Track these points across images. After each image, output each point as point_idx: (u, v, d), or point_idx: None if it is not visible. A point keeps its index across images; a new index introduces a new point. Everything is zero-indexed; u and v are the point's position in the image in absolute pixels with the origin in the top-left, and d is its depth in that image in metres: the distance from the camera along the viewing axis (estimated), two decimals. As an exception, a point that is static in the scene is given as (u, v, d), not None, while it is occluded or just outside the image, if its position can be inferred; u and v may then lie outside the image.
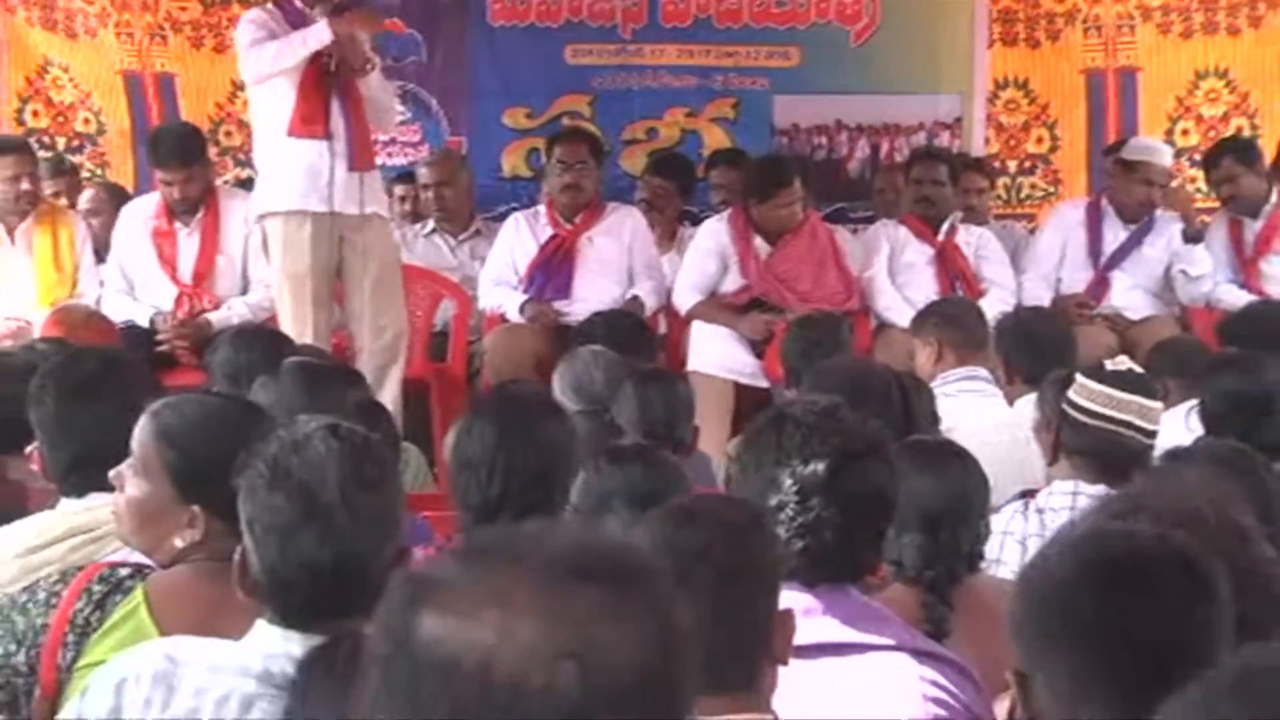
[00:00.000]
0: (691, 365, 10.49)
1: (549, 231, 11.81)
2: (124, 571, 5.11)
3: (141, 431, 5.15)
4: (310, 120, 10.18)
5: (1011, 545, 5.97)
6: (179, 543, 5.02)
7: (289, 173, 10.44)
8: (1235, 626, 3.21)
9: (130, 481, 5.14)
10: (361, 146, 10.28)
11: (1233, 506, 4.03)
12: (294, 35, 10.09)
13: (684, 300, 11.47)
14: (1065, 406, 6.49)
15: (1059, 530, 3.96)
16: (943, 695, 4.53)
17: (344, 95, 10.26)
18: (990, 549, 5.59)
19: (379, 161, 10.75)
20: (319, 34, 9.96)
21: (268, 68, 10.39)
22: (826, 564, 4.52)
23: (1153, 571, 3.21)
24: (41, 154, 12.44)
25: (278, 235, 10.47)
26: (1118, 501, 4.48)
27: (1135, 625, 3.07)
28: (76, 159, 12.95)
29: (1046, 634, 3.20)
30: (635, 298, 11.57)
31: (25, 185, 11.70)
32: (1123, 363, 6.75)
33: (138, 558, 5.15)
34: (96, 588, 5.05)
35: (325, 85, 10.17)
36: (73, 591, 5.03)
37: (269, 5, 10.56)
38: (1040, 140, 13.70)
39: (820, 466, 4.82)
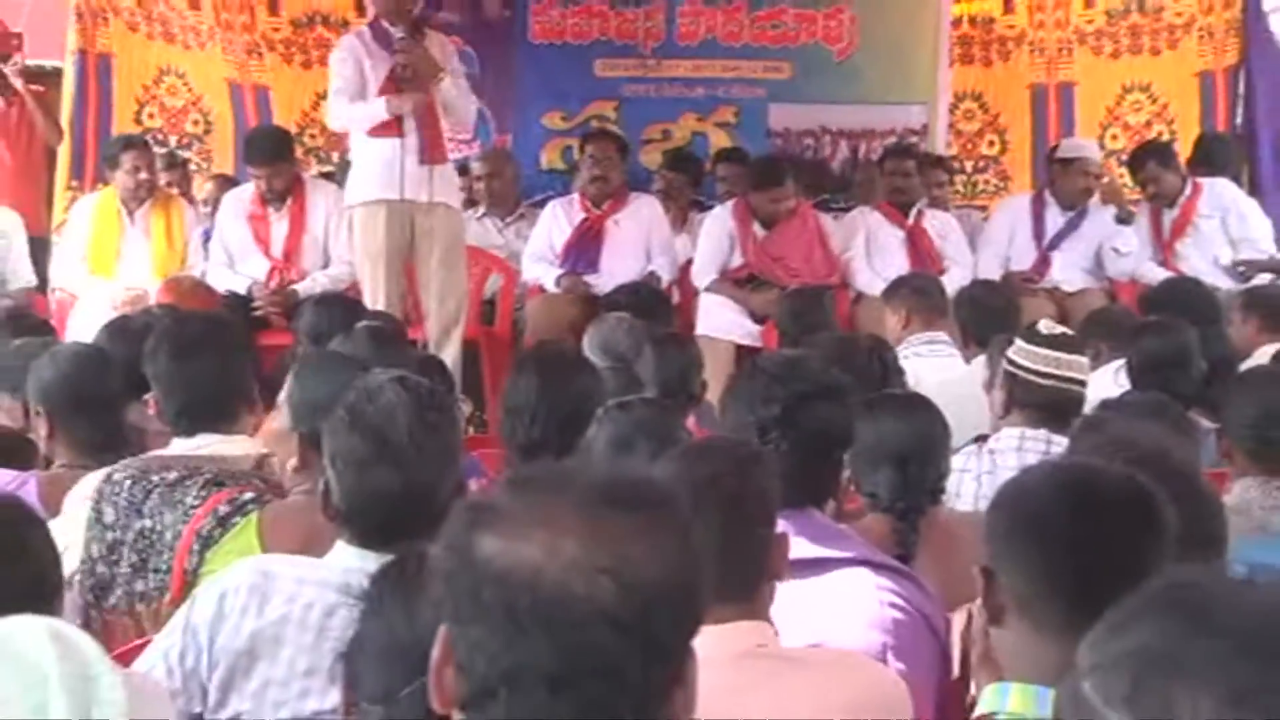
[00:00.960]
0: (700, 330, 10.50)
1: (581, 216, 11.81)
2: (248, 496, 5.20)
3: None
4: (386, 123, 10.22)
5: (968, 481, 5.98)
6: (290, 465, 5.19)
7: (370, 166, 10.51)
8: (1184, 541, 3.23)
9: (277, 411, 5.48)
10: (430, 144, 10.26)
11: (1183, 453, 4.06)
12: (359, 113, 10.34)
13: (702, 277, 11.46)
14: (1008, 365, 6.53)
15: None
16: (899, 601, 4.54)
17: (418, 103, 10.23)
18: (950, 485, 5.59)
19: (453, 157, 10.74)
20: (377, 112, 10.20)
21: (340, 124, 10.88)
22: (788, 492, 4.50)
23: (1115, 500, 3.24)
24: (157, 149, 12.43)
25: (359, 221, 10.55)
26: (1090, 442, 4.58)
27: (1092, 542, 3.09)
28: (186, 155, 12.93)
29: (1016, 538, 3.22)
30: (653, 272, 11.56)
31: (144, 176, 11.73)
32: (1055, 327, 6.83)
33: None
34: (223, 508, 5.16)
35: (399, 93, 10.19)
36: (205, 509, 5.11)
37: (359, 30, 10.61)
38: (992, 144, 13.71)
39: (777, 407, 4.90)
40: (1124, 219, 11.88)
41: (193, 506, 5.18)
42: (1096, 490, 3.32)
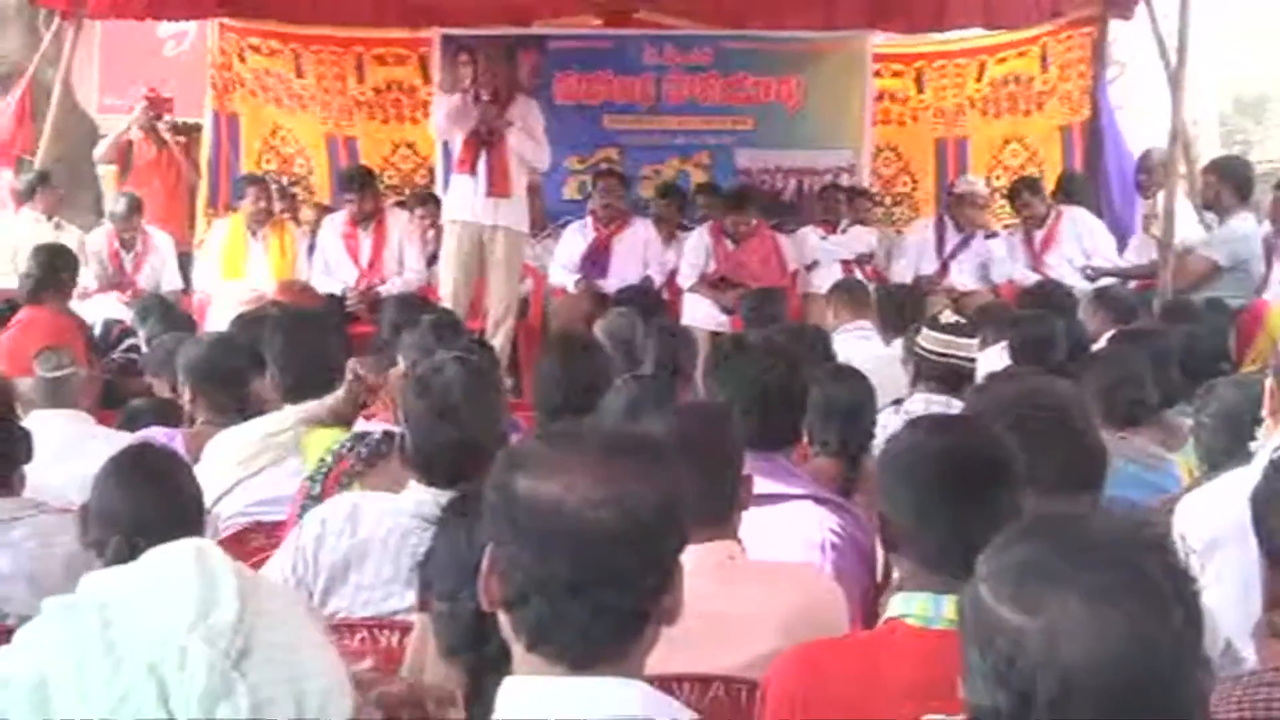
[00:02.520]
0: (683, 320, 10.46)
1: (593, 234, 11.78)
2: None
3: None
4: (464, 163, 10.37)
5: (887, 435, 5.95)
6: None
7: (453, 194, 10.70)
8: (1057, 481, 3.20)
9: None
10: (496, 181, 10.32)
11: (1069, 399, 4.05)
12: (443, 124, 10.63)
13: (686, 280, 11.48)
14: (917, 347, 6.58)
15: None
16: (837, 529, 4.56)
17: (489, 148, 10.32)
18: (876, 438, 5.59)
19: (518, 192, 10.78)
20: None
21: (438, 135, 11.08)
22: (757, 441, 4.52)
23: (980, 449, 3.20)
24: (272, 185, 12.43)
25: (445, 234, 10.73)
26: (984, 401, 4.56)
27: (962, 484, 3.05)
28: (294, 189, 12.92)
29: (896, 487, 3.20)
30: (648, 277, 11.54)
31: (263, 205, 11.81)
32: (952, 317, 6.91)
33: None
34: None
35: (477, 142, 10.33)
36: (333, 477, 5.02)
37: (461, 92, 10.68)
38: (905, 184, 13.64)
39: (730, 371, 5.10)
40: (990, 236, 12.02)
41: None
42: (958, 446, 3.27)
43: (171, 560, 1.77)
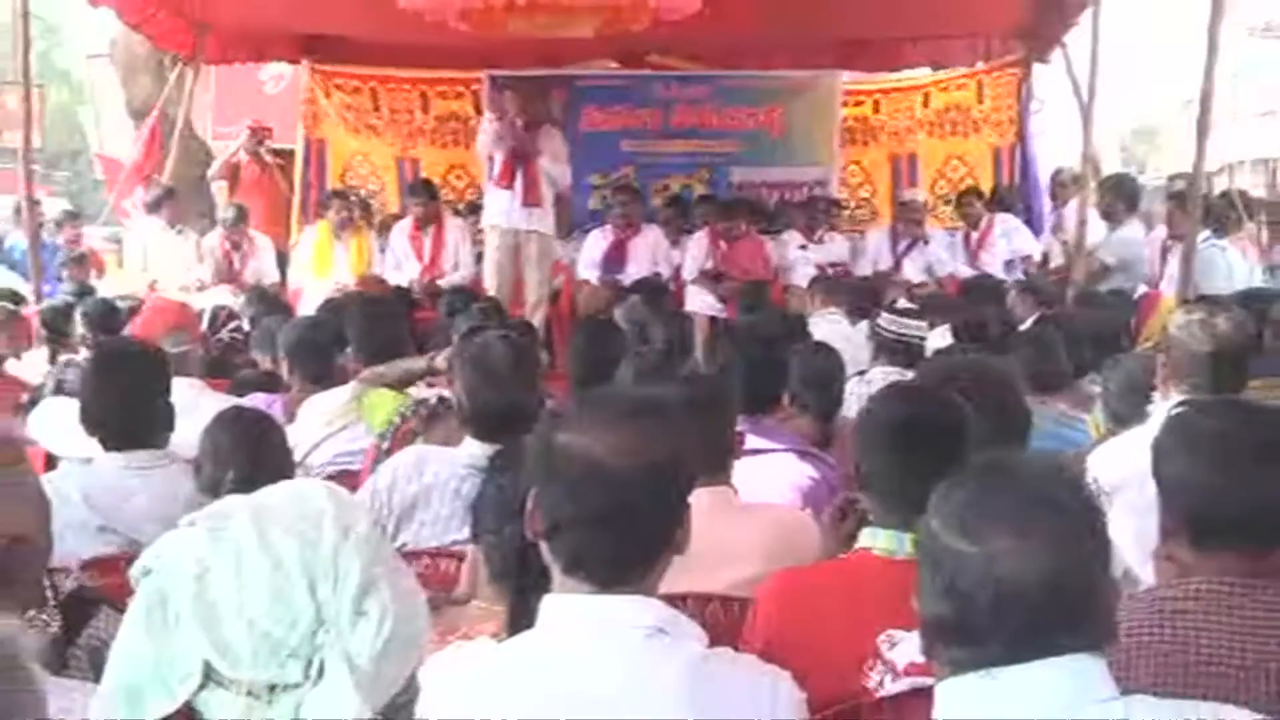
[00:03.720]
0: (687, 307, 10.45)
1: (612, 237, 11.73)
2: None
3: None
4: (503, 179, 10.35)
5: (853, 401, 5.90)
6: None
7: (494, 204, 10.61)
8: (990, 436, 3.19)
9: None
10: (528, 192, 10.34)
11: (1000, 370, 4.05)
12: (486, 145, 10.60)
13: (689, 274, 11.41)
14: (877, 328, 6.58)
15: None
16: (813, 474, 4.59)
17: (524, 167, 10.32)
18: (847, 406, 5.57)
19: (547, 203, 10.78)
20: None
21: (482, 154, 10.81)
22: (748, 404, 4.56)
23: (931, 412, 3.20)
24: (352, 198, 12.43)
25: (488, 238, 10.70)
26: (933, 373, 4.55)
27: (917, 440, 3.05)
28: (370, 201, 12.93)
29: (864, 442, 3.19)
30: (658, 272, 11.47)
31: (345, 214, 11.81)
32: (906, 304, 6.92)
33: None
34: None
35: (513, 161, 10.33)
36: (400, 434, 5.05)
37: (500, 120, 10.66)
38: (866, 192, 13.61)
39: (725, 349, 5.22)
40: (924, 239, 11.98)
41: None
42: (918, 405, 3.29)
43: (308, 489, 1.82)
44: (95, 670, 2.40)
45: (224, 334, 7.61)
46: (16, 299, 9.40)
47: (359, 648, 1.67)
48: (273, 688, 1.65)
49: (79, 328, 7.61)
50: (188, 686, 1.66)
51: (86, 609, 2.79)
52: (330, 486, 1.81)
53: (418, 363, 5.92)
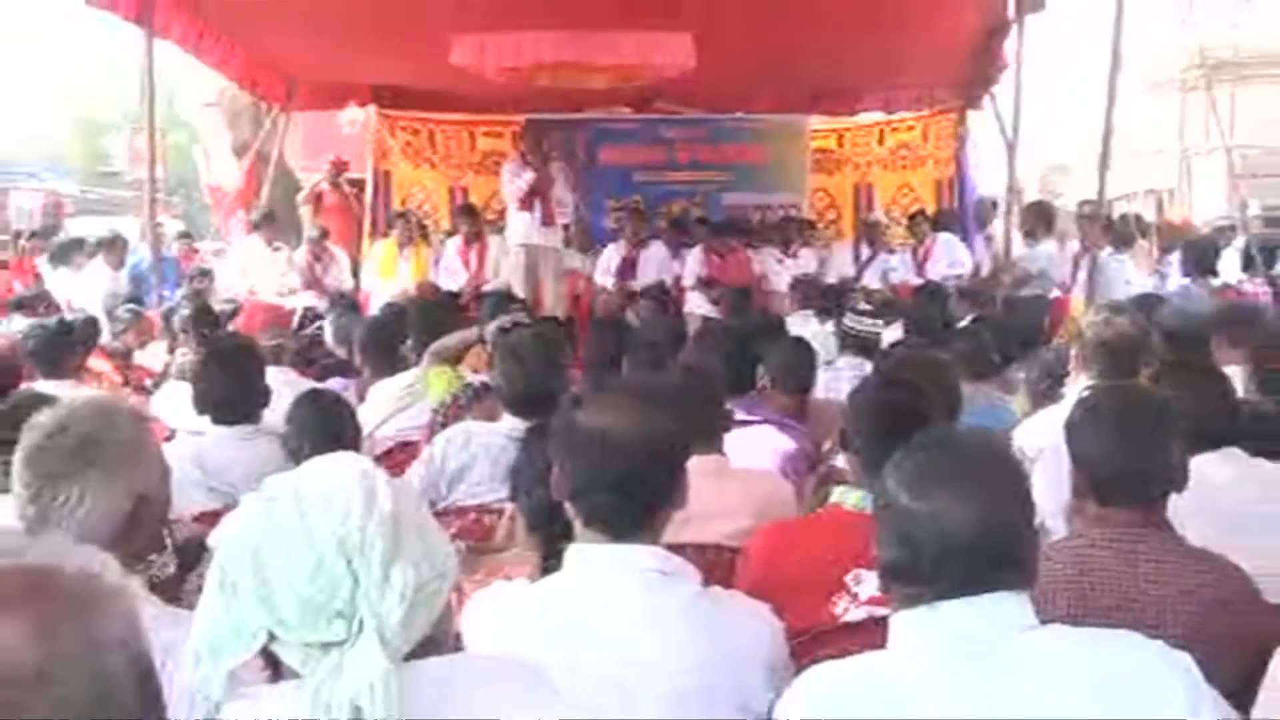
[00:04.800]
0: (686, 309, 10.49)
1: (624, 251, 11.70)
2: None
3: None
4: (525, 204, 10.33)
5: (821, 385, 5.89)
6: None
7: (516, 225, 10.56)
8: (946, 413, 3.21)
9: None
10: (546, 216, 10.36)
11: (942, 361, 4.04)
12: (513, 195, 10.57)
13: (688, 282, 11.37)
14: (843, 326, 6.59)
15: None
16: (790, 443, 4.54)
17: (542, 195, 10.30)
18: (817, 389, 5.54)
19: (559, 222, 10.78)
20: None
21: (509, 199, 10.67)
22: (733, 383, 4.56)
23: (899, 391, 3.22)
24: (413, 219, 12.43)
25: (512, 253, 10.61)
26: (882, 363, 4.62)
27: (888, 411, 3.05)
28: (426, 222, 12.88)
29: (850, 412, 3.18)
30: (661, 280, 11.42)
31: (406, 232, 11.90)
32: (866, 306, 6.92)
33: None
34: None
35: (532, 190, 10.32)
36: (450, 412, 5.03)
37: (517, 158, 10.65)
38: (832, 215, 13.53)
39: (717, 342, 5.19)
40: (889, 252, 11.98)
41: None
42: (889, 386, 3.34)
43: (341, 465, 1.77)
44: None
45: (308, 331, 7.63)
46: (140, 303, 9.46)
47: (386, 612, 1.64)
48: (325, 644, 1.65)
49: (184, 326, 7.63)
50: (258, 641, 1.66)
51: (197, 553, 2.80)
52: (362, 467, 1.79)
53: (471, 334, 6.00)
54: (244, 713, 1.76)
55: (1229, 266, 10.29)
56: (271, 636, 1.66)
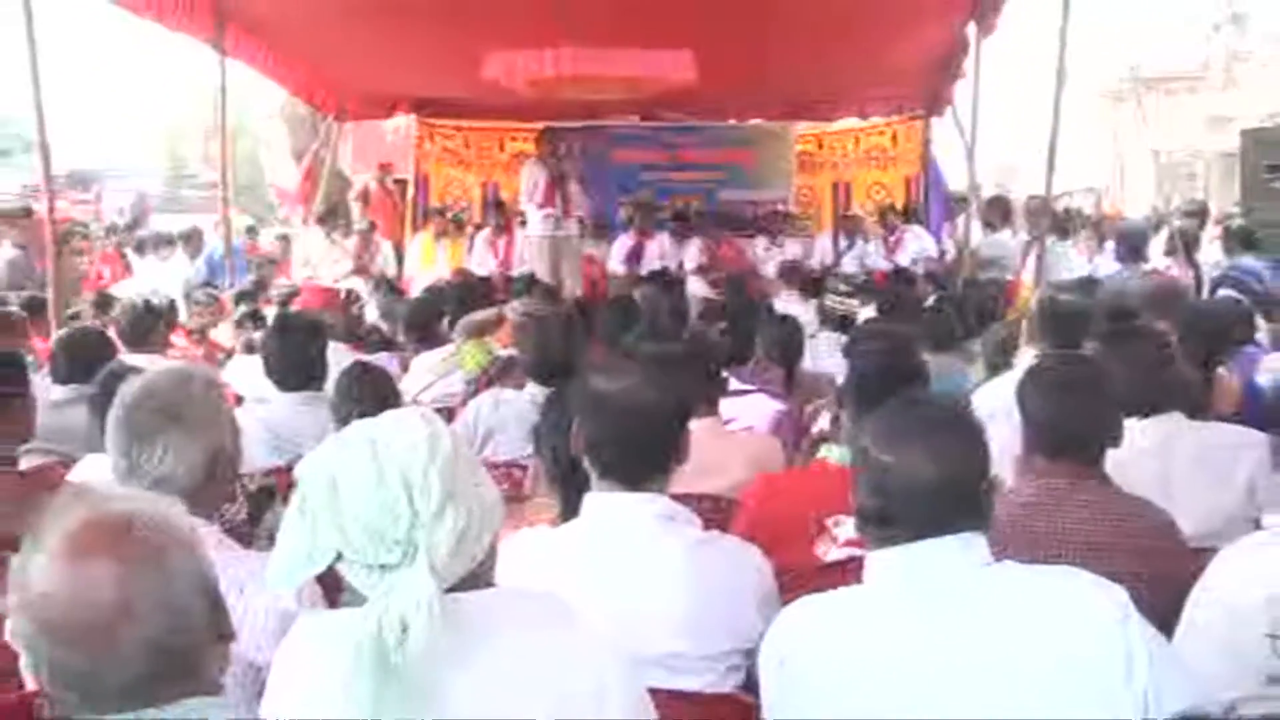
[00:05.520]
0: (688, 291, 10.33)
1: (633, 240, 11.68)
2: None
3: None
4: (547, 200, 10.26)
5: (806, 357, 5.89)
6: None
7: (536, 220, 10.47)
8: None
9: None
10: (566, 210, 10.32)
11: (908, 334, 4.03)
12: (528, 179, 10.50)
13: (689, 267, 11.34)
14: (826, 306, 6.57)
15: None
16: (779, 407, 4.52)
17: (563, 190, 10.26)
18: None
19: (575, 215, 10.73)
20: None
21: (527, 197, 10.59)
22: (731, 355, 4.54)
23: (902, 364, 3.19)
24: (449, 213, 12.43)
25: (534, 243, 10.52)
26: (858, 337, 4.54)
27: (870, 375, 3.04)
28: (462, 216, 12.82)
29: (849, 382, 3.17)
30: (666, 266, 11.33)
31: (442, 226, 11.96)
32: (844, 288, 6.89)
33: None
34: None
35: (553, 187, 10.25)
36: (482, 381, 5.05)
37: (536, 158, 10.60)
38: (814, 209, 13.44)
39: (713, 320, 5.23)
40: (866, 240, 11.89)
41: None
42: (874, 351, 3.32)
43: (412, 418, 1.78)
44: (271, 545, 2.41)
45: (355, 310, 7.63)
46: (214, 287, 9.48)
47: (438, 543, 1.65)
48: (383, 566, 1.65)
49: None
50: (327, 559, 1.67)
51: (265, 502, 2.81)
52: (426, 418, 1.79)
53: (491, 312, 6.07)
54: (313, 624, 1.81)
55: (1155, 252, 10.28)
56: (339, 557, 1.67)
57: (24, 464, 3.38)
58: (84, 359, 4.43)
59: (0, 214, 10.58)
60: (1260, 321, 6.02)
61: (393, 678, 1.61)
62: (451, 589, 1.69)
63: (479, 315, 5.93)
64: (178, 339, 6.99)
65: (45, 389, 4.32)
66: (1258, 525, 2.45)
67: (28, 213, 9.75)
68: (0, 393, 3.03)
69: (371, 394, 3.99)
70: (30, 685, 1.56)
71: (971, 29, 9.52)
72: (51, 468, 3.46)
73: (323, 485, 1.69)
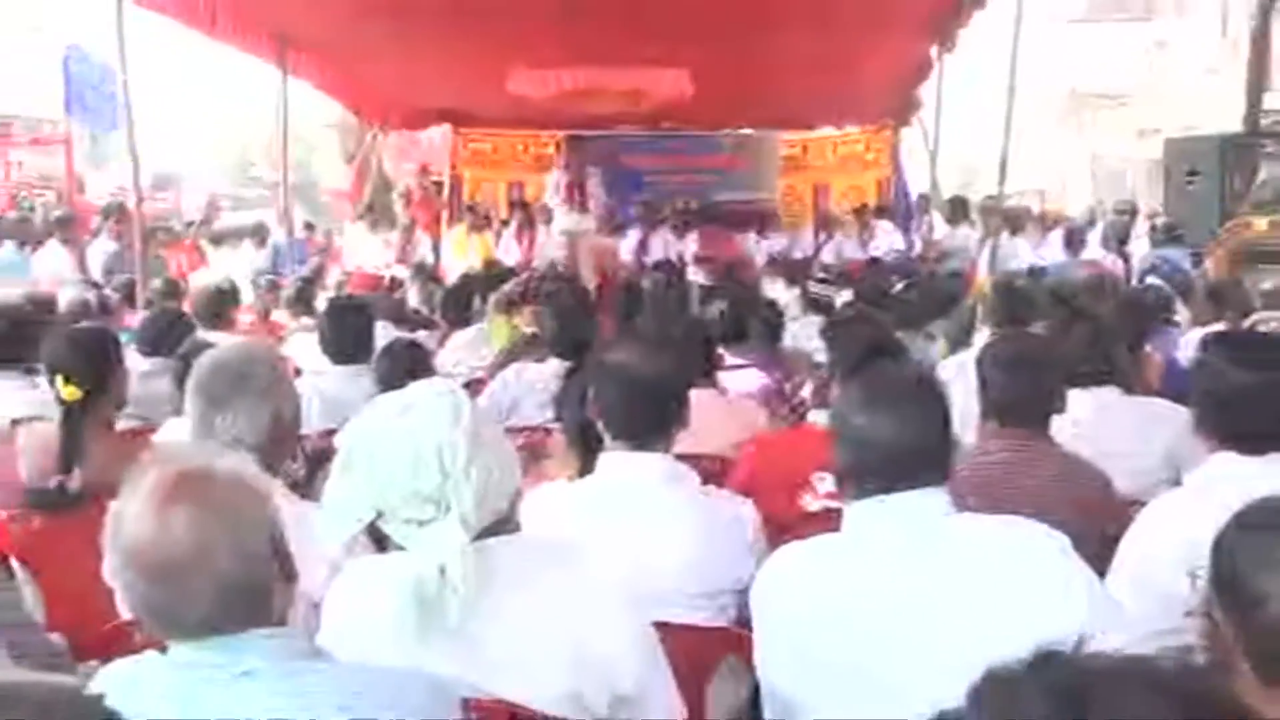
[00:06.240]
0: (689, 278, 10.28)
1: (640, 234, 11.61)
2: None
3: None
4: (569, 199, 10.34)
5: (788, 338, 5.86)
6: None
7: (559, 216, 10.38)
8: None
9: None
10: (585, 207, 10.29)
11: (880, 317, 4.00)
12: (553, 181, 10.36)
13: (689, 257, 11.21)
14: (809, 292, 6.56)
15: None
16: (769, 380, 4.50)
17: (581, 190, 10.31)
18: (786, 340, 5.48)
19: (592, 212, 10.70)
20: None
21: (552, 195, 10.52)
22: (726, 336, 4.49)
23: (862, 336, 3.16)
24: (480, 211, 12.36)
25: (560, 237, 10.38)
26: (836, 319, 4.49)
27: (851, 351, 3.04)
28: (489, 213, 12.70)
29: (833, 355, 3.15)
30: (669, 258, 11.15)
31: (475, 221, 11.72)
32: (826, 277, 6.87)
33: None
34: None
35: (574, 186, 10.37)
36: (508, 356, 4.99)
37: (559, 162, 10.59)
38: (798, 208, 13.33)
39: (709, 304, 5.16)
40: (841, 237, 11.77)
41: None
42: (856, 339, 3.25)
43: (438, 389, 1.78)
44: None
45: (397, 294, 7.61)
46: (276, 274, 9.47)
47: (464, 498, 1.65)
48: (420, 522, 1.65)
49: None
50: (368, 516, 1.67)
51: (321, 460, 2.81)
52: (450, 388, 1.79)
53: (522, 283, 6.08)
54: (362, 568, 1.82)
55: (1093, 245, 10.29)
56: (378, 515, 1.67)
57: (119, 427, 3.39)
58: (167, 336, 4.44)
59: (102, 211, 10.63)
60: (1180, 305, 6.03)
61: (433, 615, 1.61)
62: (480, 536, 1.69)
63: (507, 287, 5.91)
64: (244, 319, 6.98)
65: (135, 362, 4.32)
66: (1178, 483, 2.45)
67: (122, 210, 9.78)
68: (99, 366, 3.05)
69: (410, 367, 3.99)
70: (125, 615, 1.57)
71: (934, 50, 9.53)
72: (140, 430, 3.47)
73: (362, 449, 1.69)
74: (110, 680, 1.48)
